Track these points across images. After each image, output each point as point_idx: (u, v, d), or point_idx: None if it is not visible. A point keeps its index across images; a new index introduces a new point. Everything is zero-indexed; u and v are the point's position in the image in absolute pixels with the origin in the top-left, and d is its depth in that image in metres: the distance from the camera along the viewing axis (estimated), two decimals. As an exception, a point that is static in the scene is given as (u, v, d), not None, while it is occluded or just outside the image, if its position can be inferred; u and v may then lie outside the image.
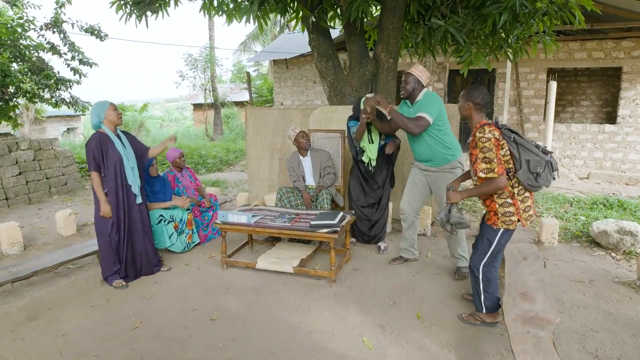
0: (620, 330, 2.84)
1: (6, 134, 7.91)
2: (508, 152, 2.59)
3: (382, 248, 4.27)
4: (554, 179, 2.65)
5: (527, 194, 2.69)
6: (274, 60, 11.94)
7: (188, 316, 3.10)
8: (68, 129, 21.56)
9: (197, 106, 21.44)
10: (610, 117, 9.96)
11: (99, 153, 3.39)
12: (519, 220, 2.68)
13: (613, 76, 9.96)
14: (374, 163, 4.15)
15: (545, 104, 8.28)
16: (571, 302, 3.21)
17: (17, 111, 13.35)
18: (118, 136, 3.52)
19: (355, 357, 2.57)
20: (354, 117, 4.19)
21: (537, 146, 2.62)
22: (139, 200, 3.61)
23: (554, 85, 7.61)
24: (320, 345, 2.70)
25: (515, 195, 2.66)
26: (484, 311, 2.87)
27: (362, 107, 3.97)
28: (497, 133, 2.56)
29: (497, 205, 2.70)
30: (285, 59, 11.40)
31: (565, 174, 7.76)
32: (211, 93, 17.37)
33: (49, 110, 17.35)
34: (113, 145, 3.45)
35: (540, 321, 2.58)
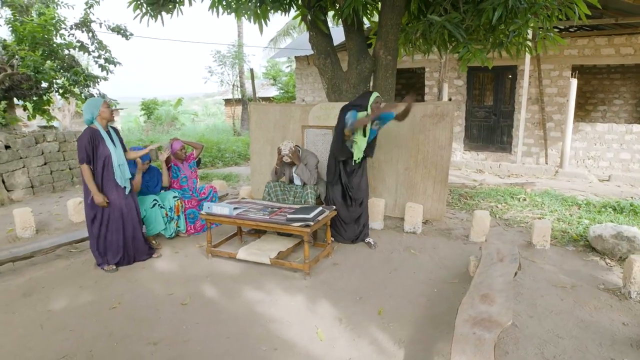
0: (588, 338, 2.75)
1: (50, 127, 8.46)
2: None
3: (373, 243, 4.30)
4: None
5: None
6: (296, 56, 12.07)
7: (163, 300, 3.29)
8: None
9: (228, 101, 21.98)
10: (646, 117, 9.35)
11: (91, 148, 3.63)
12: None
13: (649, 73, 9.32)
14: (360, 156, 4.17)
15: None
16: (544, 307, 3.13)
17: (59, 105, 14.28)
18: (109, 132, 3.75)
19: (304, 347, 2.65)
20: (356, 106, 4.15)
21: None
22: (127, 191, 3.84)
23: (574, 82, 7.25)
24: (275, 334, 2.80)
25: None
26: None
27: (371, 102, 4.03)
28: None
29: None
30: (307, 55, 11.48)
31: (584, 175, 7.38)
32: (239, 89, 17.79)
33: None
34: (103, 141, 3.68)
35: (490, 324, 2.55)
